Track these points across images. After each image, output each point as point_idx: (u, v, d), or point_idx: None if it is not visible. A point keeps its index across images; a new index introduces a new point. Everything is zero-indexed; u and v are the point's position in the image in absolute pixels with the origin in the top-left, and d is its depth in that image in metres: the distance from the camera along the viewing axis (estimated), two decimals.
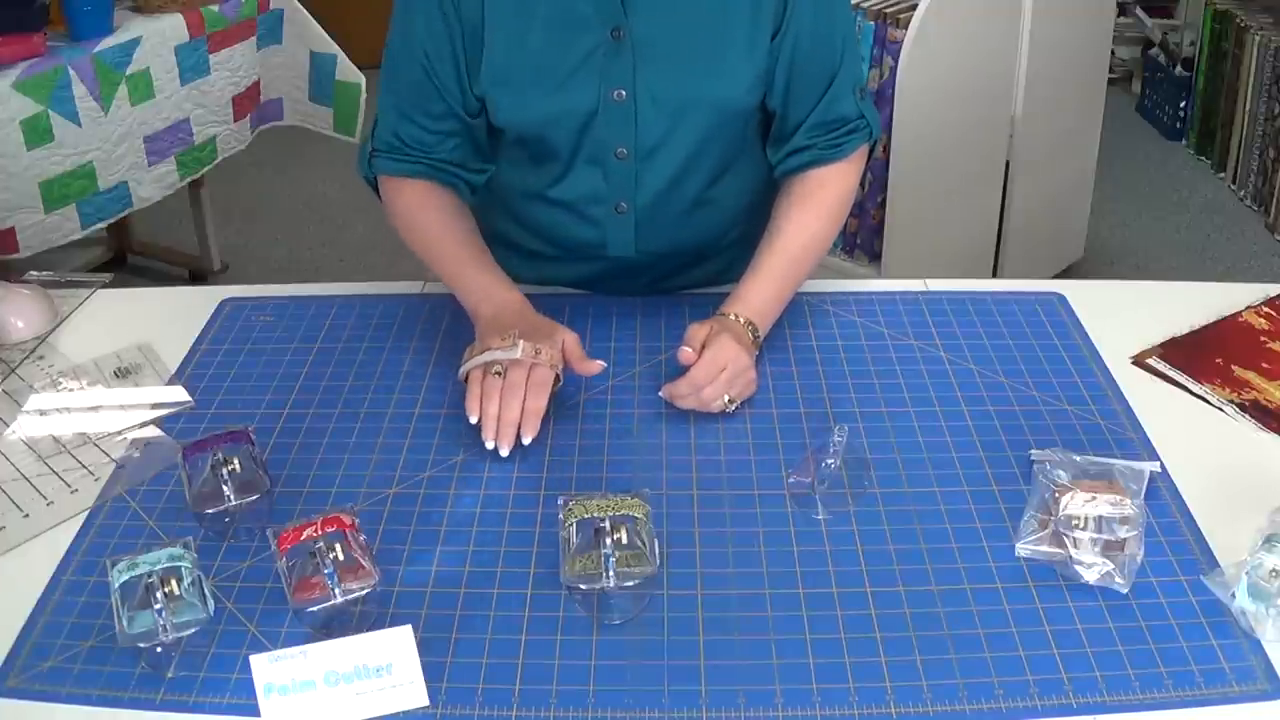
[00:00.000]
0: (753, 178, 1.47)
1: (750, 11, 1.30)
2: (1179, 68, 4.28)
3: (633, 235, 1.43)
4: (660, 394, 1.28)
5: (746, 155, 1.43)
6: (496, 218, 1.52)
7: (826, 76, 1.36)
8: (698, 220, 1.45)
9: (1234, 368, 1.35)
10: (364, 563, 1.02)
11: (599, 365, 1.28)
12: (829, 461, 1.18)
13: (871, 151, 1.44)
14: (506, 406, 1.21)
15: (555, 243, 1.48)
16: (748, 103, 1.36)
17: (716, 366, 1.25)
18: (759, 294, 1.35)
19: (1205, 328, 1.42)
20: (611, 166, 1.38)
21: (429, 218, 1.39)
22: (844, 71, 1.37)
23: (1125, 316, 1.44)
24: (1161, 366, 1.35)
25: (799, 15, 1.32)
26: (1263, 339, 1.41)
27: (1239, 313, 1.45)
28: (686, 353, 1.27)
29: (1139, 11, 4.56)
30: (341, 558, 1.00)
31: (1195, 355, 1.37)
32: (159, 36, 2.70)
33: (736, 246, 1.49)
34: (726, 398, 1.26)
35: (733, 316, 1.32)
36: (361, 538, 1.03)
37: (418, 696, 0.95)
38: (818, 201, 1.39)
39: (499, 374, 1.22)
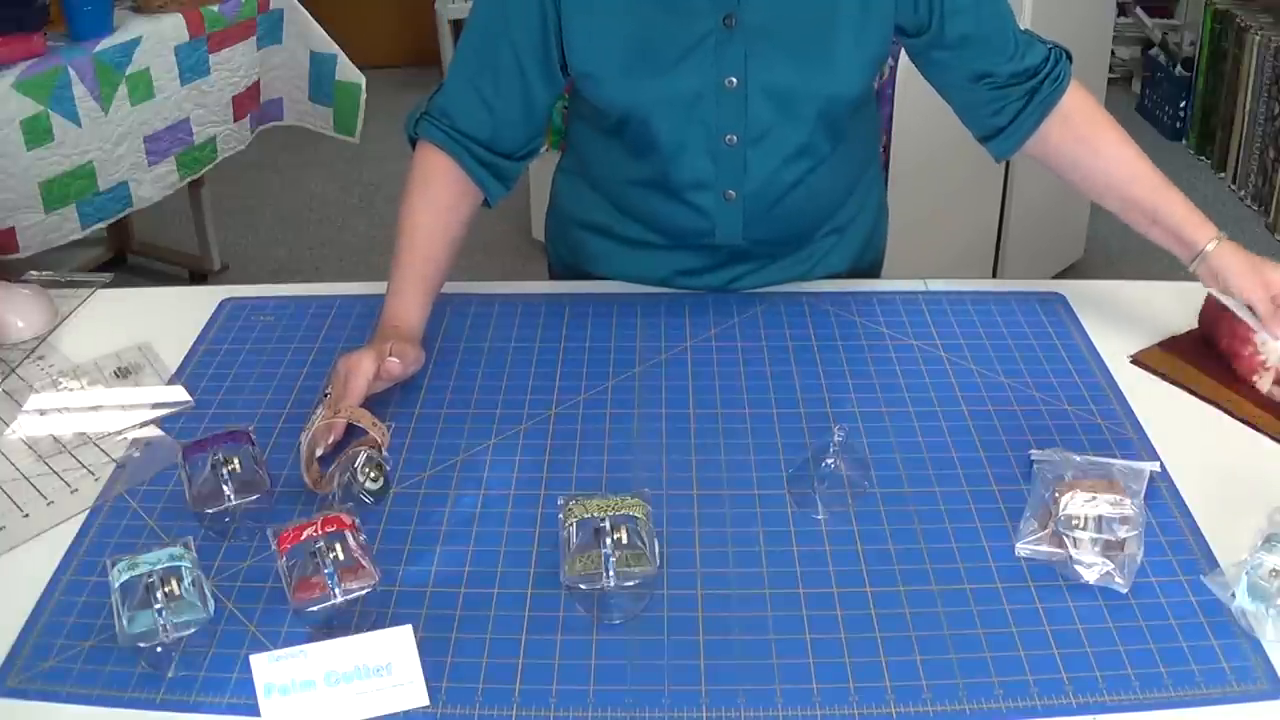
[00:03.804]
0: (852, 162, 1.48)
1: (860, 2, 1.31)
2: (1179, 68, 4.28)
3: (741, 222, 1.43)
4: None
5: (849, 138, 1.44)
6: (595, 209, 1.52)
7: (1005, 31, 1.36)
8: (801, 205, 1.45)
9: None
10: (364, 563, 1.02)
11: (395, 365, 1.26)
12: (829, 461, 1.18)
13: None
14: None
15: (662, 230, 1.48)
16: (856, 92, 1.37)
17: None
18: (1184, 212, 1.34)
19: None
20: (721, 153, 1.38)
21: (419, 206, 1.39)
22: (1012, 20, 1.37)
23: (1125, 316, 1.44)
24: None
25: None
26: None
27: None
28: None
29: (1139, 11, 4.56)
30: (341, 558, 1.00)
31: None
32: (159, 36, 2.70)
33: (832, 236, 1.51)
34: None
35: (1211, 245, 1.32)
36: (361, 538, 1.03)
37: (418, 696, 0.95)
38: (1096, 126, 1.39)
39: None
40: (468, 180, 1.40)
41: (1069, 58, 1.41)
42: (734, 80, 1.33)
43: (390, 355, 1.25)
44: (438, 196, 1.40)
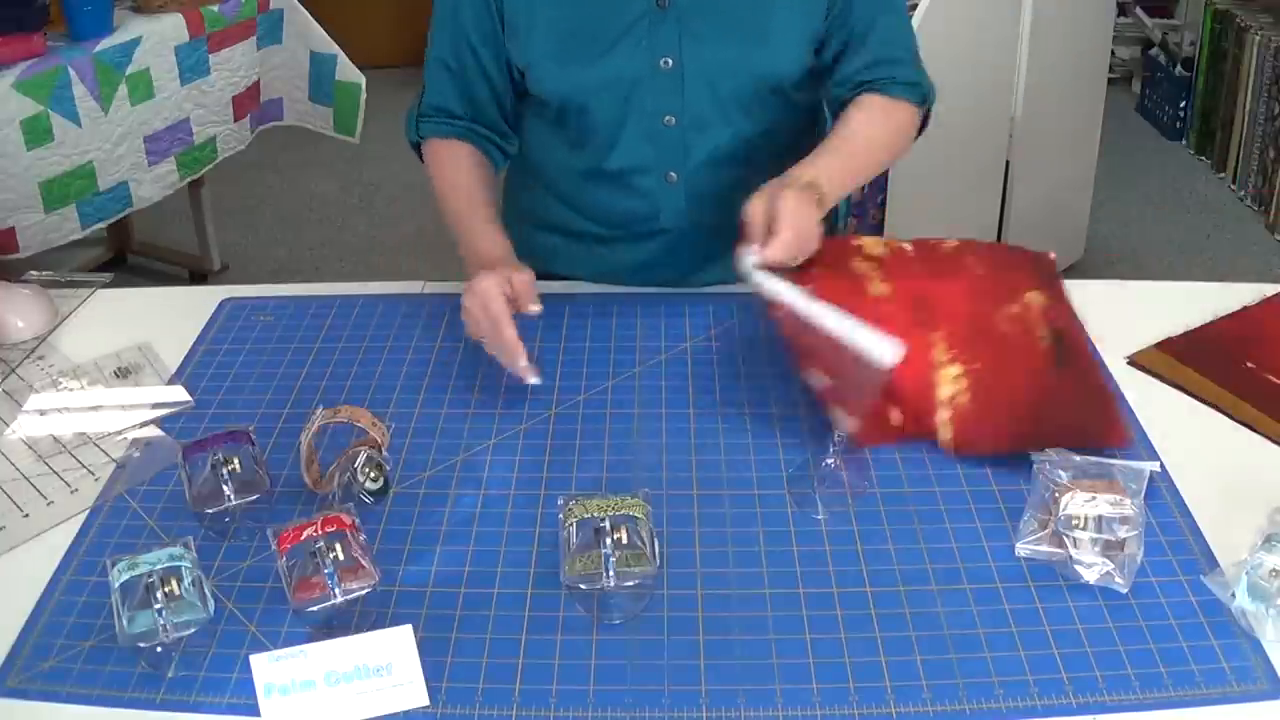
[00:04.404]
0: (794, 142, 1.48)
1: None
2: (1179, 68, 4.28)
3: (684, 205, 1.44)
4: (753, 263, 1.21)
5: (789, 117, 1.45)
6: (547, 207, 1.53)
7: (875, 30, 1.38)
8: (744, 188, 1.45)
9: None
10: (364, 563, 1.02)
11: (536, 308, 1.26)
12: (829, 461, 1.18)
13: (924, 124, 1.46)
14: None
15: (608, 221, 1.49)
16: (793, 70, 1.38)
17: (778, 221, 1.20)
18: (822, 161, 1.31)
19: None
20: (660, 135, 1.39)
21: (452, 176, 1.43)
22: (889, 23, 1.38)
23: (1125, 316, 1.44)
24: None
25: None
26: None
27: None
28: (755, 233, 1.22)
29: (1139, 11, 4.56)
30: (341, 558, 1.00)
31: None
32: (159, 36, 2.70)
33: None
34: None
35: (792, 177, 1.27)
36: (361, 538, 1.03)
37: (418, 696, 0.95)
38: (879, 109, 1.38)
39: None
40: (479, 152, 1.45)
41: (928, 98, 1.42)
42: (669, 61, 1.34)
43: (512, 282, 1.24)
44: (464, 165, 1.43)
